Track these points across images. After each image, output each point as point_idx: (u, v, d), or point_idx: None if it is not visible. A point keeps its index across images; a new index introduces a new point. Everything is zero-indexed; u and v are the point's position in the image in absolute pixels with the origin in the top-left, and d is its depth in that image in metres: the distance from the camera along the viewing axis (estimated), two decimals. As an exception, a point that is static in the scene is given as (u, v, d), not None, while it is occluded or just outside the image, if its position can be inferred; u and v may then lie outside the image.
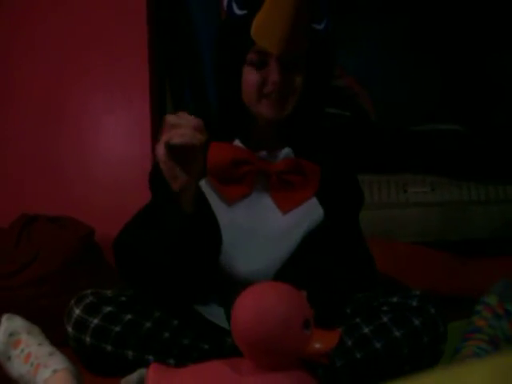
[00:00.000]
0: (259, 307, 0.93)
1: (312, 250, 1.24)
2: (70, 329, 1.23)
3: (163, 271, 1.17)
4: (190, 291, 1.23)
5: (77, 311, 1.22)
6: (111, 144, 2.43)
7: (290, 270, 1.22)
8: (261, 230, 1.25)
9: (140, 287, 1.25)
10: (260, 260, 1.23)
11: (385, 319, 1.14)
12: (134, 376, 1.15)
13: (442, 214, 2.44)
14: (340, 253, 1.27)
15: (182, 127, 1.09)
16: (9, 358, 1.20)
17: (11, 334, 1.21)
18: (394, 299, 1.19)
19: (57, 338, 1.25)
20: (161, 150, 1.11)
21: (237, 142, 1.28)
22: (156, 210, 1.18)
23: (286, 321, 0.92)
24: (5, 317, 1.25)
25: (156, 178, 1.31)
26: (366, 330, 1.14)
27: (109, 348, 1.19)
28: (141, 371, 1.14)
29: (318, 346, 0.93)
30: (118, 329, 1.19)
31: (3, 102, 2.43)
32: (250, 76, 1.22)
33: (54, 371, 1.12)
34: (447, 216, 2.44)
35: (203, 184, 1.26)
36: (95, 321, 1.20)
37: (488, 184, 2.48)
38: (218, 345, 1.17)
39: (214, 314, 1.25)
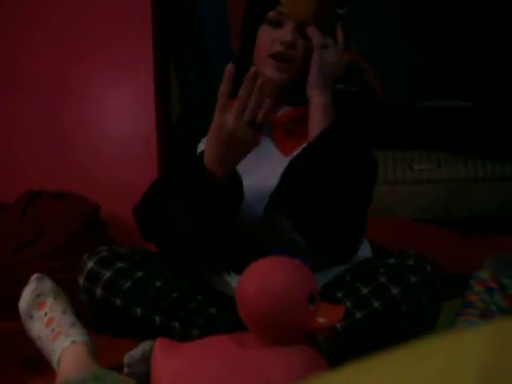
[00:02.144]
0: (264, 281, 0.93)
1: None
2: (81, 280, 1.22)
3: (184, 232, 1.17)
4: (206, 253, 1.25)
5: (90, 264, 1.22)
6: (116, 120, 2.43)
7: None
8: (265, 173, 1.26)
9: (159, 244, 1.28)
10: (262, 192, 1.24)
11: (382, 279, 1.15)
12: (138, 351, 1.16)
13: (447, 191, 2.44)
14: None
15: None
16: (31, 317, 1.22)
17: (38, 295, 1.24)
18: (391, 260, 1.20)
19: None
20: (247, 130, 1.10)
21: None
22: (189, 173, 1.18)
23: (291, 295, 0.92)
24: (35, 276, 1.26)
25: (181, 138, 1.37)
26: (365, 291, 1.14)
27: (118, 302, 1.19)
28: (144, 346, 1.15)
29: (322, 320, 0.93)
30: (128, 284, 1.20)
31: (10, 80, 2.43)
32: (265, 34, 1.26)
33: (73, 342, 1.14)
34: (453, 193, 2.43)
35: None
36: (107, 274, 1.20)
37: (494, 161, 2.46)
38: (224, 311, 1.18)
39: (222, 283, 1.26)
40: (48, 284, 1.26)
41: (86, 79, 2.41)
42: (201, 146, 1.29)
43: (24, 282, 1.29)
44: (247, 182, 1.20)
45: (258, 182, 1.24)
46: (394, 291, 1.13)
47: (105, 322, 1.24)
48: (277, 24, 1.25)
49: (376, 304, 1.13)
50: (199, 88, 2.52)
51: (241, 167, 1.19)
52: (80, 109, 2.42)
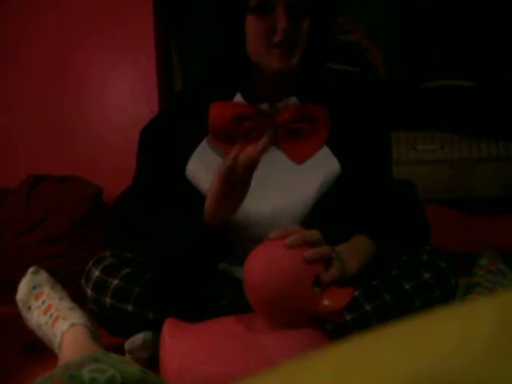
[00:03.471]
0: (269, 263, 0.93)
1: (335, 203, 1.19)
2: (89, 290, 1.20)
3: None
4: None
5: (96, 272, 1.20)
6: (118, 103, 2.41)
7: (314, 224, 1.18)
8: (273, 185, 1.19)
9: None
10: (275, 217, 1.18)
11: (394, 272, 1.13)
12: (139, 337, 1.15)
13: (451, 172, 2.42)
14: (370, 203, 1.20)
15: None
16: (29, 308, 1.23)
17: (35, 287, 1.24)
18: (404, 257, 1.17)
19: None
20: (226, 167, 1.02)
21: (238, 97, 1.23)
22: (170, 218, 1.13)
23: (296, 277, 0.92)
24: (31, 269, 1.27)
25: (148, 137, 1.30)
26: (375, 282, 1.12)
27: (130, 308, 1.17)
28: (146, 333, 1.15)
29: (327, 303, 0.93)
30: (137, 289, 1.17)
31: (11, 64, 2.42)
32: (255, 25, 1.13)
33: (72, 325, 1.14)
34: (457, 173, 2.42)
35: (204, 144, 1.22)
36: (115, 281, 1.18)
37: (498, 141, 2.45)
38: (235, 301, 1.14)
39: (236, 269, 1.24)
40: (44, 276, 1.27)
41: (87, 62, 2.40)
42: (191, 166, 1.22)
43: (28, 267, 1.29)
44: (262, 198, 1.17)
45: (275, 198, 1.19)
46: (406, 286, 1.11)
47: (117, 327, 1.22)
48: (265, 10, 1.12)
49: (387, 297, 1.10)
50: (201, 68, 2.51)
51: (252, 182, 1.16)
52: (81, 92, 2.40)
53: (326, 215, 1.18)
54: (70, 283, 1.43)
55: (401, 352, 0.27)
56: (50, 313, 1.18)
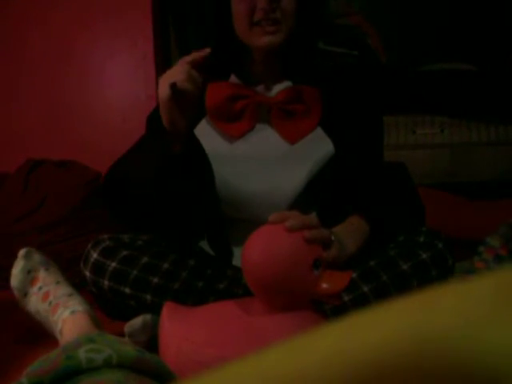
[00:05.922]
0: (268, 246, 0.93)
1: (328, 183, 1.21)
2: (87, 273, 1.21)
3: (149, 203, 1.19)
4: (183, 226, 1.25)
5: (94, 255, 1.20)
6: (117, 88, 2.41)
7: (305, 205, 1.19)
8: (267, 165, 1.22)
9: (129, 222, 1.27)
10: (268, 196, 1.20)
11: (391, 253, 1.14)
12: (138, 320, 1.15)
13: (450, 156, 2.42)
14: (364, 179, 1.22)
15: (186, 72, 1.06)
16: (25, 295, 1.20)
17: (29, 271, 1.21)
18: (401, 238, 1.18)
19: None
20: (165, 90, 1.06)
21: (233, 78, 1.28)
22: (146, 146, 1.20)
23: (295, 260, 0.92)
24: (22, 252, 1.23)
25: (153, 119, 1.31)
26: (372, 263, 1.13)
27: (127, 291, 1.18)
28: (144, 316, 1.15)
29: (326, 286, 0.93)
30: (135, 272, 1.18)
31: (11, 50, 2.41)
32: (239, 5, 1.19)
33: (73, 312, 1.13)
34: (456, 157, 2.42)
35: (203, 124, 1.26)
36: (113, 264, 1.19)
37: (498, 125, 2.44)
38: (233, 284, 1.15)
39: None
40: (37, 258, 1.23)
41: (86, 47, 2.39)
42: (198, 130, 1.25)
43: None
44: (255, 177, 1.19)
45: (268, 177, 1.20)
46: (404, 266, 1.11)
47: (115, 310, 1.23)
48: None
49: (384, 277, 1.11)
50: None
51: (244, 159, 1.18)
52: (80, 77, 2.40)
53: (319, 195, 1.20)
54: (70, 269, 1.43)
55: (400, 318, 0.26)
56: (49, 300, 1.16)
